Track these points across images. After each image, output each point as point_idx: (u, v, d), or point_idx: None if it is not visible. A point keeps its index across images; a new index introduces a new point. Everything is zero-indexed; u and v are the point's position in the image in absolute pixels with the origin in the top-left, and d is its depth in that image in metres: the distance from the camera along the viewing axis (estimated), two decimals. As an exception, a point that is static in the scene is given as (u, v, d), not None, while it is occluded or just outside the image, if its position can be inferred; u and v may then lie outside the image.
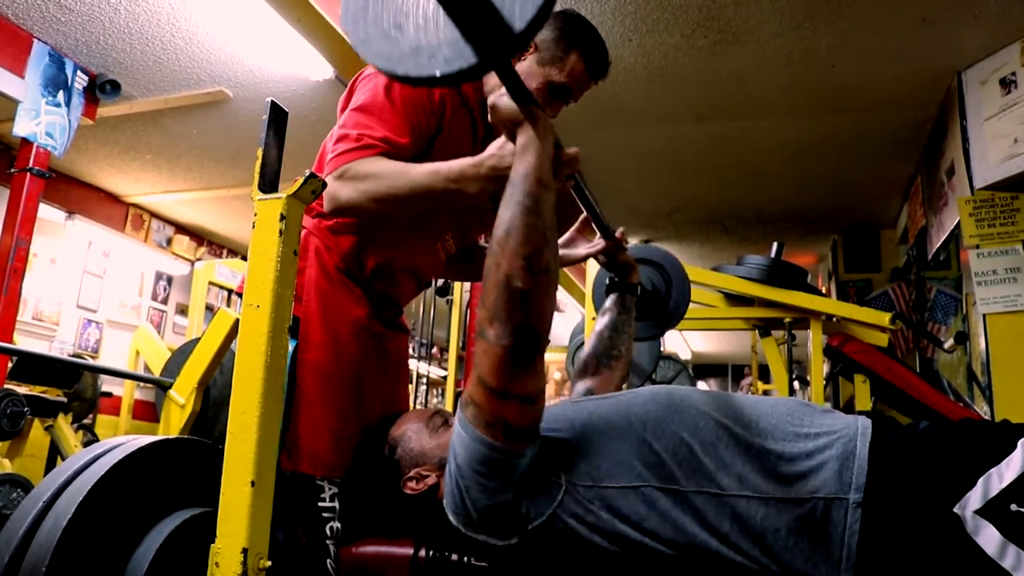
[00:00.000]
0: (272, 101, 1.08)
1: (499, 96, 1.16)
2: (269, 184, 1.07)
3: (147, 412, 5.27)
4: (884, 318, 3.19)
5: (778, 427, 1.11)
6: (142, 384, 4.95)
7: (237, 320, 2.32)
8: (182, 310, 6.52)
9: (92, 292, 5.75)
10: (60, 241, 5.43)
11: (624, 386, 4.43)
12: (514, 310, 1.05)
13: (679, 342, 9.71)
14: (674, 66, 3.52)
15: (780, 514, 1.03)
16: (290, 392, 1.32)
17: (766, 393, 6.96)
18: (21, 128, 3.47)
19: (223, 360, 3.01)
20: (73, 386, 3.77)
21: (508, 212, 1.08)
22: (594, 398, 1.28)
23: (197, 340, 3.14)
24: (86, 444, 3.64)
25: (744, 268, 3.34)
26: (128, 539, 1.14)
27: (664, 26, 3.22)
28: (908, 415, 3.37)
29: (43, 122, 3.55)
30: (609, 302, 1.73)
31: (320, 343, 1.35)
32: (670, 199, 5.33)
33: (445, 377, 5.01)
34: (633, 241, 5.98)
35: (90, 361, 5.08)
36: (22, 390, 3.19)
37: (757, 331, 3.73)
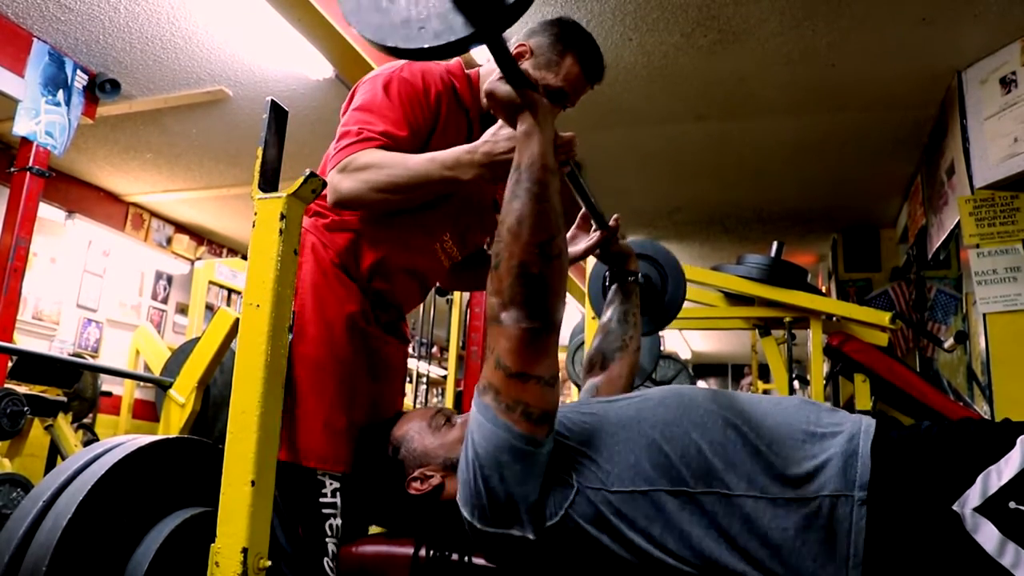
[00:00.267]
0: (272, 100, 1.08)
1: (495, 81, 1.17)
2: (269, 183, 1.07)
3: (147, 411, 5.27)
4: (884, 317, 3.19)
5: (785, 426, 1.10)
6: (142, 383, 4.95)
7: (237, 319, 2.32)
8: (182, 309, 6.52)
9: (92, 291, 5.75)
10: (60, 240, 5.43)
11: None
12: (531, 294, 1.08)
13: (679, 342, 9.71)
14: (674, 65, 3.52)
15: (788, 514, 1.03)
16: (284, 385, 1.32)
17: (766, 392, 6.97)
18: (21, 127, 3.47)
19: (223, 359, 3.01)
20: (73, 385, 3.78)
21: (518, 200, 1.10)
22: (602, 401, 1.27)
23: (197, 339, 3.14)
24: (86, 443, 3.64)
25: (744, 267, 3.34)
26: (128, 539, 1.14)
27: (664, 25, 3.22)
28: (908, 415, 3.37)
29: (43, 121, 3.55)
30: (611, 294, 1.71)
31: (314, 337, 1.35)
32: (670, 199, 5.33)
33: (445, 376, 5.01)
34: (632, 241, 5.98)
35: (90, 360, 5.08)
36: (22, 389, 3.19)
37: (757, 330, 3.74)
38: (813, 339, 3.31)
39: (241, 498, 0.96)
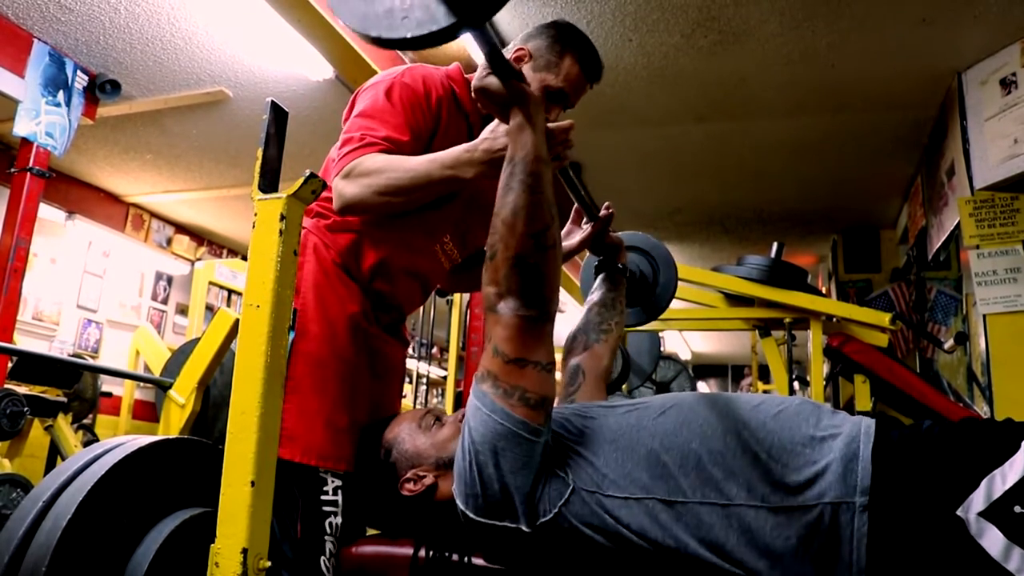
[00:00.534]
0: (272, 101, 1.08)
1: (483, 76, 1.18)
2: (269, 184, 1.07)
3: (147, 412, 5.27)
4: (884, 318, 3.19)
5: (786, 431, 1.09)
6: (142, 384, 4.95)
7: (237, 320, 2.32)
8: (182, 310, 6.52)
9: (92, 292, 5.75)
10: (60, 241, 5.43)
11: (624, 387, 4.40)
12: (526, 283, 1.12)
13: (679, 342, 9.71)
14: (674, 66, 3.52)
15: (790, 522, 1.02)
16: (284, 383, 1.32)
17: (766, 393, 6.95)
18: (21, 128, 3.47)
19: (223, 360, 3.01)
20: (73, 386, 3.77)
21: (512, 193, 1.13)
22: (603, 405, 1.27)
23: (197, 340, 3.15)
24: (86, 444, 3.64)
25: (744, 268, 3.34)
26: (128, 539, 1.14)
27: (664, 26, 3.22)
28: (908, 415, 3.36)
29: (43, 122, 3.55)
30: (597, 282, 1.72)
31: (316, 335, 1.36)
32: (670, 199, 5.33)
33: (445, 377, 5.01)
34: (625, 234, 5.98)
35: (90, 361, 5.08)
36: (22, 390, 3.20)
37: (757, 331, 3.73)
38: (813, 340, 3.31)
39: (241, 499, 0.96)
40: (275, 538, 1.17)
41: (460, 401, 4.02)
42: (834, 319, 3.37)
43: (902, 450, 1.04)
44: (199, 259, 6.28)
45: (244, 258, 3.89)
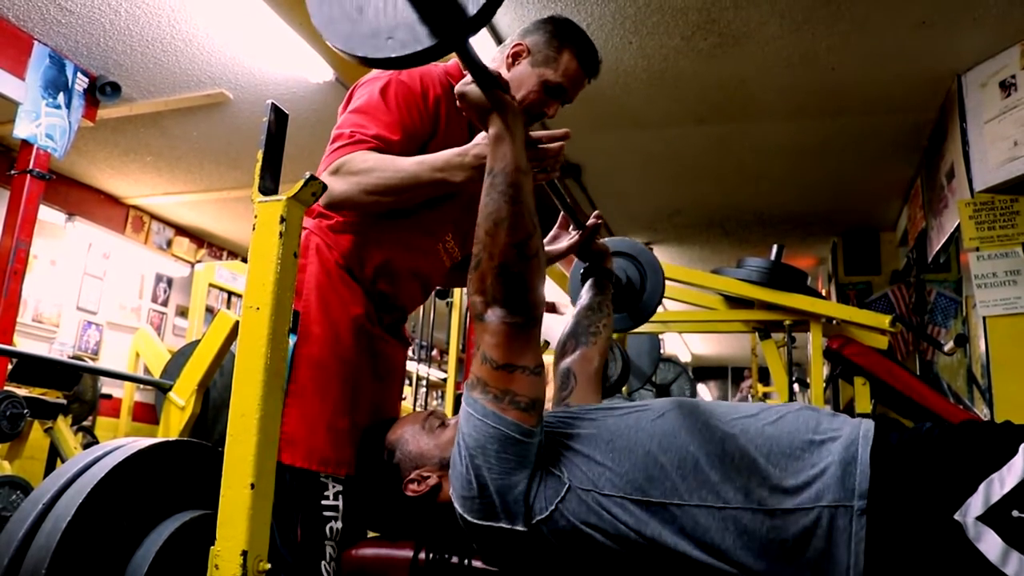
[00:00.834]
0: (272, 103, 1.08)
1: (465, 84, 1.19)
2: (269, 186, 1.07)
3: (147, 414, 5.26)
4: (884, 320, 3.19)
5: (784, 436, 1.10)
6: (142, 386, 4.95)
7: (237, 322, 2.32)
8: (182, 312, 6.52)
9: (92, 294, 5.75)
10: (60, 243, 5.43)
11: (623, 389, 4.39)
12: (511, 292, 1.14)
13: (679, 344, 9.71)
14: (674, 69, 3.52)
15: (787, 525, 1.02)
16: (287, 385, 1.32)
17: (766, 395, 6.97)
18: (21, 130, 3.47)
19: (223, 362, 3.01)
20: (73, 388, 3.77)
21: (493, 203, 1.14)
22: (602, 407, 1.28)
23: (197, 342, 3.15)
24: (86, 446, 3.64)
25: (744, 271, 3.34)
26: (128, 541, 1.14)
27: (664, 29, 3.22)
28: (908, 418, 3.37)
29: (43, 124, 3.55)
30: (585, 288, 1.73)
31: (319, 337, 1.35)
32: (670, 202, 5.33)
33: (445, 379, 5.01)
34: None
35: (90, 363, 5.08)
36: (22, 392, 3.19)
37: (757, 333, 3.73)
38: (813, 342, 3.31)
39: (241, 501, 0.96)
40: (275, 542, 1.17)
41: (460, 403, 4.01)
42: (834, 321, 3.37)
43: (901, 454, 1.04)
44: (199, 261, 6.29)
45: (244, 260, 3.89)
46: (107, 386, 4.59)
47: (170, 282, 6.53)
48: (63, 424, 3.41)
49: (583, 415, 1.24)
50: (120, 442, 1.23)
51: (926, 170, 4.18)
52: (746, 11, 3.07)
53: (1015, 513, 0.94)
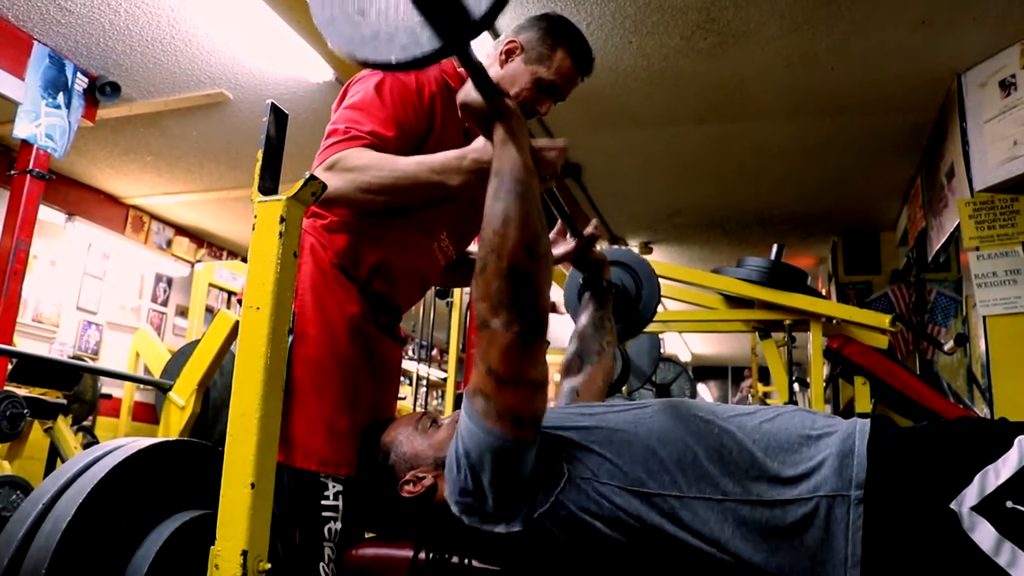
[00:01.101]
0: (272, 103, 1.08)
1: (467, 91, 1.18)
2: (269, 186, 1.07)
3: (147, 414, 5.26)
4: (884, 320, 3.19)
5: (782, 432, 1.11)
6: (142, 386, 4.95)
7: (237, 322, 2.32)
8: (182, 312, 6.52)
9: (92, 294, 5.75)
10: (60, 243, 5.43)
11: (623, 388, 4.39)
12: (521, 295, 1.08)
13: (679, 344, 9.72)
14: (674, 68, 3.52)
15: (785, 515, 1.04)
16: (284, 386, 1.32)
17: (766, 395, 6.98)
18: (21, 130, 3.47)
19: (223, 362, 3.01)
20: (73, 388, 3.77)
21: (501, 203, 1.10)
22: (602, 405, 1.29)
23: (197, 342, 3.15)
24: (86, 446, 3.64)
25: (744, 270, 3.34)
26: (128, 541, 1.14)
27: (664, 28, 3.22)
28: (908, 417, 3.36)
29: (43, 124, 3.55)
30: (584, 301, 1.72)
31: (315, 338, 1.35)
32: (670, 201, 5.33)
33: (445, 379, 5.01)
34: (633, 244, 5.99)
35: (90, 363, 5.08)
36: (22, 392, 3.19)
37: (757, 333, 3.73)
38: (813, 342, 3.31)
39: (241, 501, 0.96)
40: (274, 543, 1.17)
41: (460, 403, 4.01)
42: (834, 321, 3.37)
43: (897, 446, 1.06)
44: (199, 261, 6.28)
45: (244, 260, 3.89)
46: (107, 386, 4.59)
47: (170, 282, 6.53)
48: (63, 424, 3.41)
49: (584, 411, 1.25)
50: (120, 442, 1.23)
51: (926, 170, 4.18)
52: (746, 11, 3.07)
53: (1009, 504, 0.96)
